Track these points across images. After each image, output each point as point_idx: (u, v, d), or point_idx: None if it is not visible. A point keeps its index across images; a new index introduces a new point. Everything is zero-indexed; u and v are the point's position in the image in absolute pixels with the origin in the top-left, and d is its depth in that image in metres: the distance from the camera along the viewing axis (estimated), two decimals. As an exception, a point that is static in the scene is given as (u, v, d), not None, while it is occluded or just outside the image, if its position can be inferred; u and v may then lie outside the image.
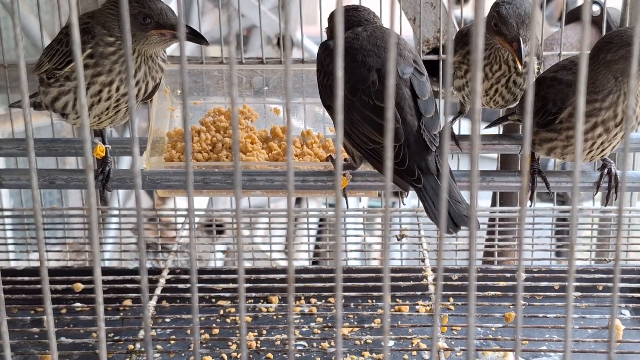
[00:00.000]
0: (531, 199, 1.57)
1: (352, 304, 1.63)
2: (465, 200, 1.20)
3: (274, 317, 1.65)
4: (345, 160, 1.34)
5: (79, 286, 1.66)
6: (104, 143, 1.41)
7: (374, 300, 1.67)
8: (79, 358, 1.49)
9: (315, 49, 2.66)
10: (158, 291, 1.65)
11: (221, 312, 1.64)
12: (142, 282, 0.76)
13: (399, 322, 1.62)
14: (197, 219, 2.08)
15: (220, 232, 2.22)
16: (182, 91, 0.66)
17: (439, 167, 1.20)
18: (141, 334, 1.51)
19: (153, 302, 1.62)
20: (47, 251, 1.86)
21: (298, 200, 2.96)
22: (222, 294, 1.67)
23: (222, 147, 1.46)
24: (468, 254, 1.79)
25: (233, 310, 1.64)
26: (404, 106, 1.23)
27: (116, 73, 1.31)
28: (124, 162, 2.46)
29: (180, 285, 1.67)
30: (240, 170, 0.69)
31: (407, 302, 1.64)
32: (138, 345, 1.48)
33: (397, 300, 1.66)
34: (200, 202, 2.36)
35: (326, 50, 1.30)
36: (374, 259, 2.05)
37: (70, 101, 1.36)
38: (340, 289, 0.76)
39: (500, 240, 1.84)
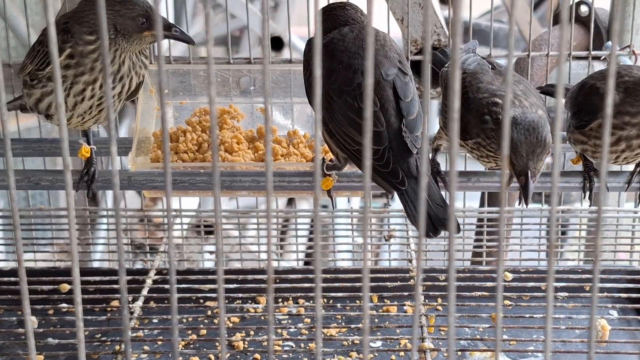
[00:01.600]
0: (590, 198, 1.56)
1: (339, 304, 1.63)
2: (447, 204, 1.20)
3: (262, 317, 1.65)
4: (330, 160, 1.34)
5: (66, 287, 1.66)
6: (89, 143, 1.40)
7: (362, 301, 1.67)
8: (66, 358, 1.49)
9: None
10: (145, 292, 1.65)
11: (208, 312, 1.64)
12: (121, 282, 0.76)
13: (387, 322, 1.61)
14: (186, 220, 2.07)
15: (209, 233, 2.21)
16: (160, 90, 0.66)
17: (421, 169, 1.20)
18: (136, 312, 1.51)
19: (140, 303, 1.61)
20: (35, 252, 1.86)
21: (290, 201, 2.96)
22: (209, 295, 1.66)
23: (208, 147, 1.46)
24: (459, 255, 1.80)
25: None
26: (388, 108, 1.23)
27: (98, 71, 1.31)
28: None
29: (167, 286, 1.66)
30: (219, 169, 0.69)
31: (395, 303, 1.64)
32: (130, 333, 1.47)
33: (385, 300, 1.65)
34: (190, 202, 2.35)
35: (312, 47, 1.29)
36: (362, 259, 2.04)
37: (53, 102, 1.36)
38: (320, 290, 0.76)
39: (488, 241, 1.84)
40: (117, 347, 1.50)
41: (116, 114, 1.40)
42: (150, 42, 1.34)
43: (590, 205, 1.99)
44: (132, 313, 1.58)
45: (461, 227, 1.88)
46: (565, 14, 0.66)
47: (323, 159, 1.34)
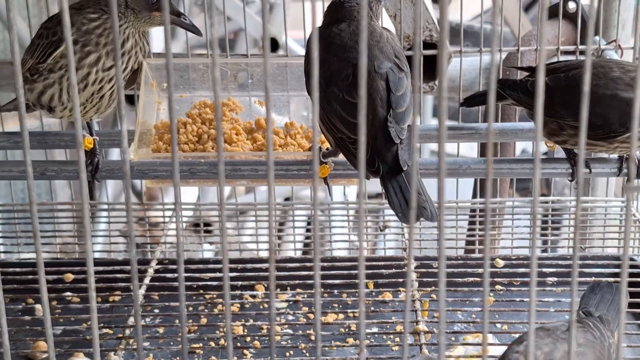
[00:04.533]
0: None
1: (336, 291, 1.68)
2: (427, 193, 1.25)
3: (261, 306, 1.69)
4: (327, 149, 1.38)
5: (69, 276, 1.70)
6: (91, 135, 1.45)
7: (358, 288, 1.72)
8: (71, 346, 1.53)
9: (299, 51, 2.72)
10: (147, 281, 1.69)
11: (208, 301, 1.68)
12: (132, 265, 0.80)
13: (381, 308, 1.66)
14: (184, 219, 2.12)
15: (208, 232, 2.25)
16: (168, 75, 0.70)
17: (402, 159, 1.25)
18: (131, 320, 1.55)
19: (142, 291, 1.66)
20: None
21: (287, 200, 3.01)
22: (209, 283, 1.71)
23: (207, 138, 1.51)
24: (453, 243, 1.84)
25: (220, 300, 1.68)
26: (375, 98, 1.28)
27: (102, 46, 1.36)
28: (113, 155, 2.50)
29: (169, 275, 1.71)
30: (223, 158, 0.74)
31: (390, 289, 1.68)
32: (128, 331, 1.52)
33: (380, 287, 1.70)
34: (189, 197, 2.40)
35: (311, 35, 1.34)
36: (358, 248, 2.09)
37: (55, 93, 1.40)
38: (319, 277, 0.80)
39: (480, 230, 1.89)
40: (121, 335, 1.54)
41: (113, 103, 1.45)
42: (158, 24, 1.39)
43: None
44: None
45: (454, 217, 1.94)
46: (543, 13, 0.71)
47: (320, 147, 1.39)
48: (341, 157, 1.36)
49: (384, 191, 1.26)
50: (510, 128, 1.57)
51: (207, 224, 2.18)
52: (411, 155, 1.22)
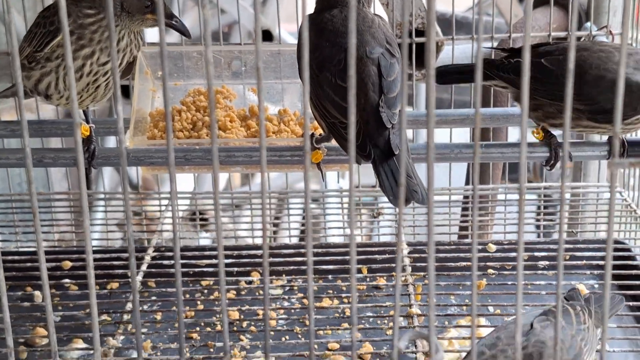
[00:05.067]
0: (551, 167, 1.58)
1: (330, 276, 1.70)
2: (418, 177, 1.27)
3: (256, 292, 1.71)
4: (319, 135, 1.40)
5: (67, 264, 1.72)
6: (87, 123, 1.47)
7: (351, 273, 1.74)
8: (70, 332, 1.55)
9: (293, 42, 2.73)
10: (144, 267, 1.71)
11: (205, 288, 1.70)
12: (130, 251, 0.82)
13: (375, 292, 1.68)
14: (180, 211, 2.14)
15: (203, 221, 2.27)
16: (163, 70, 0.72)
17: (394, 143, 1.26)
18: (129, 306, 1.57)
19: (139, 278, 1.68)
20: (35, 233, 1.91)
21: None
22: (205, 269, 1.73)
23: (202, 125, 1.53)
24: (446, 229, 1.86)
25: (217, 286, 1.70)
26: (367, 83, 1.29)
27: (96, 42, 1.38)
28: (109, 144, 2.52)
29: (165, 262, 1.73)
30: (218, 143, 0.75)
31: (384, 274, 1.70)
32: (126, 317, 1.54)
33: (374, 272, 1.72)
34: (184, 188, 2.42)
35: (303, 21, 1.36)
36: (357, 235, 2.12)
37: (52, 81, 1.42)
38: (312, 263, 0.82)
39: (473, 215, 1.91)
40: (119, 320, 1.56)
41: (109, 92, 1.47)
42: (151, 26, 1.42)
43: (571, 181, 2.07)
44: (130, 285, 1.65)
45: (447, 204, 1.96)
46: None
47: (312, 134, 1.41)
48: (334, 142, 1.38)
49: (375, 175, 1.28)
50: (501, 113, 1.59)
51: (202, 214, 2.20)
52: (401, 138, 1.24)
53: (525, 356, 1.04)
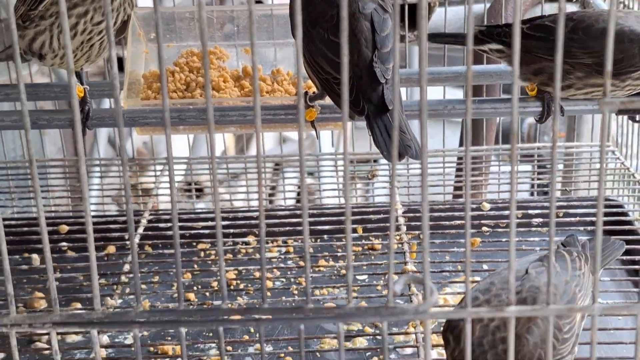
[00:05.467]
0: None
1: (326, 236, 1.72)
2: (412, 132, 1.28)
3: (253, 255, 1.71)
4: (313, 92, 1.41)
5: (64, 228, 1.73)
6: (82, 84, 1.47)
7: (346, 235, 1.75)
8: (67, 294, 1.56)
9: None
10: (140, 230, 1.72)
11: (201, 251, 1.70)
12: (127, 211, 0.83)
13: (371, 252, 1.69)
14: (175, 183, 2.14)
15: (199, 197, 2.28)
16: (158, 33, 0.73)
17: (388, 98, 1.27)
18: (126, 267, 1.58)
19: (136, 240, 1.69)
20: (31, 198, 1.92)
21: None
22: (202, 231, 1.73)
23: (195, 86, 1.53)
24: (440, 189, 1.87)
25: (213, 250, 1.70)
26: (360, 38, 1.30)
27: (89, 1, 1.38)
28: (104, 107, 2.53)
29: (162, 225, 1.74)
30: (212, 102, 0.76)
31: (379, 233, 1.71)
32: (124, 277, 1.55)
33: (369, 232, 1.73)
34: (180, 151, 2.42)
35: None
36: (352, 196, 2.13)
37: (46, 40, 1.42)
38: (307, 224, 0.82)
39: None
40: (116, 282, 1.57)
41: (104, 52, 1.47)
42: None
43: (565, 141, 2.08)
44: (128, 249, 1.66)
45: (441, 164, 1.97)
46: None
47: (306, 92, 1.41)
48: (328, 100, 1.39)
49: (369, 130, 1.28)
50: (494, 70, 1.59)
51: (197, 184, 2.20)
52: (394, 93, 1.24)
53: (519, 301, 1.06)
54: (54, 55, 1.45)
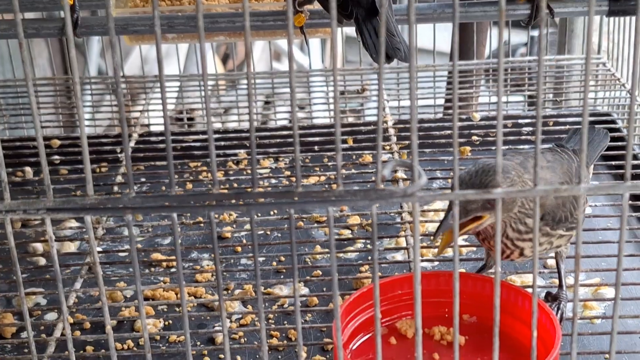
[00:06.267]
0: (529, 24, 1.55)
1: (316, 147, 1.72)
2: (401, 35, 1.27)
3: (244, 172, 1.72)
4: (302, -2, 1.40)
5: (56, 142, 1.74)
6: (71, -8, 1.46)
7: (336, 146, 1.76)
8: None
9: None
10: (132, 144, 1.72)
11: (193, 170, 1.71)
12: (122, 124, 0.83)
13: (362, 170, 1.69)
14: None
15: (190, 126, 2.27)
16: None
17: (377, 0, 1.26)
18: (118, 179, 1.59)
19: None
20: (23, 115, 1.92)
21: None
22: (193, 144, 1.74)
23: (183, -6, 1.52)
24: (431, 102, 1.87)
25: (205, 167, 1.71)
26: None
27: None
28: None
29: (153, 138, 1.74)
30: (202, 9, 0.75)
31: (369, 144, 1.72)
32: (116, 188, 1.56)
33: (360, 142, 1.74)
34: (170, 69, 2.41)
35: None
36: (343, 116, 2.13)
37: None
38: (298, 137, 0.82)
39: (459, 89, 1.93)
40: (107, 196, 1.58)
41: None
42: None
43: (557, 54, 2.09)
44: (120, 162, 1.67)
45: (432, 80, 1.97)
46: None
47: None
48: (317, 5, 1.38)
49: (358, 35, 1.28)
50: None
51: (189, 112, 2.20)
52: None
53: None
54: None
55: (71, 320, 1.27)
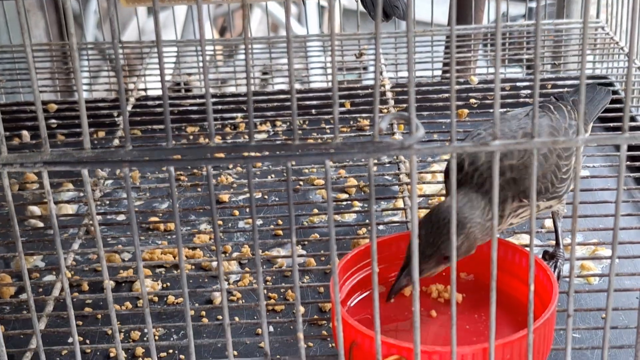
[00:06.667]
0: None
1: (313, 110, 1.72)
2: None
3: (241, 137, 1.72)
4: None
5: (53, 107, 1.73)
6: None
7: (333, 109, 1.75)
8: (59, 178, 1.56)
9: None
10: (129, 108, 1.72)
11: (190, 135, 1.70)
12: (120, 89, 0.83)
13: (360, 134, 1.68)
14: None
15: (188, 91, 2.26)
16: None
17: None
18: (115, 142, 1.59)
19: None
20: (20, 79, 1.91)
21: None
22: (190, 108, 1.73)
23: (179, -45, 1.51)
24: (429, 66, 1.87)
25: (202, 133, 1.70)
26: None
27: None
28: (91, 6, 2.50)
29: (150, 102, 1.74)
30: None
31: (367, 107, 1.72)
32: (117, 141, 1.55)
33: (357, 107, 1.74)
34: (168, 34, 2.40)
35: None
36: (341, 80, 2.13)
37: None
38: (295, 104, 0.82)
39: (457, 53, 1.92)
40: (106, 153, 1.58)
41: None
42: None
43: (555, 19, 2.08)
44: (117, 126, 1.67)
45: (429, 43, 1.96)
46: None
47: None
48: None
49: None
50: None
51: (187, 84, 2.19)
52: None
53: (524, 135, 1.08)
54: None
55: (69, 279, 1.27)
